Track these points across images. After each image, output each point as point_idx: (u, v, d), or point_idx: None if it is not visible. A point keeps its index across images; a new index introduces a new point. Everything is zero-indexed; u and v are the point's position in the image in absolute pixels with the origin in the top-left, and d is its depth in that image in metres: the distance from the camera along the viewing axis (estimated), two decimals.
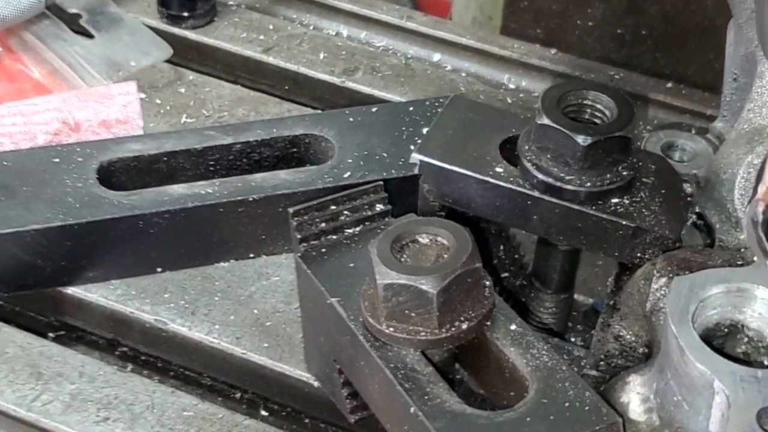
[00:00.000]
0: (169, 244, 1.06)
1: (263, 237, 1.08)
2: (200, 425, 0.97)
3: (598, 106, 0.98)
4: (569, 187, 0.96)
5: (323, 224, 0.97)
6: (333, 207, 0.99)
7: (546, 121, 0.95)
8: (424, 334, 0.85)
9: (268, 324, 1.05)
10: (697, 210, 1.00)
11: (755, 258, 0.84)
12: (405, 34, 1.39)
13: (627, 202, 0.97)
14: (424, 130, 1.07)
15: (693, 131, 1.11)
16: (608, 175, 0.96)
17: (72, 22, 1.34)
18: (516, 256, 1.13)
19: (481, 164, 1.00)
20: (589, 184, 0.96)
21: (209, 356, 1.05)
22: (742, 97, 1.03)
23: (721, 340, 0.81)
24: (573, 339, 1.10)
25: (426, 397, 0.82)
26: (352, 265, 0.93)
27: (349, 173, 1.06)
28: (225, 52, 1.34)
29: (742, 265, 0.86)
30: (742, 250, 0.90)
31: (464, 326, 0.85)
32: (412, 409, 0.81)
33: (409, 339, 0.85)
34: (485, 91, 1.33)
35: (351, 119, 1.13)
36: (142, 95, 1.25)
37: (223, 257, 1.10)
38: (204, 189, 1.06)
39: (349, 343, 0.90)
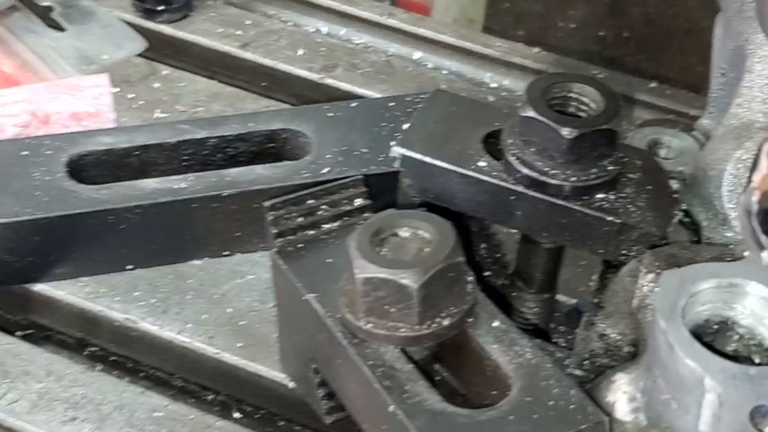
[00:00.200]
0: (140, 240, 1.03)
1: (238, 234, 1.05)
2: (171, 426, 0.93)
3: (584, 98, 0.95)
4: (554, 181, 0.93)
5: (300, 219, 0.94)
6: (311, 201, 0.96)
7: (530, 113, 0.93)
8: (404, 330, 0.82)
9: (242, 323, 1.02)
10: (684, 207, 0.98)
11: (745, 254, 0.82)
12: (386, 31, 1.37)
13: (613, 197, 0.94)
14: (405, 126, 1.04)
15: (678, 128, 1.09)
16: (594, 170, 0.94)
17: (44, 15, 1.30)
18: (497, 254, 1.11)
19: (463, 158, 0.97)
20: (574, 178, 0.93)
21: (180, 356, 1.02)
22: (729, 93, 1.01)
23: (711, 337, 0.79)
24: (555, 340, 1.07)
25: (405, 396, 0.79)
26: (329, 260, 0.90)
27: (327, 169, 1.03)
28: (201, 47, 1.31)
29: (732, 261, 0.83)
30: (730, 246, 0.88)
31: (445, 322, 0.82)
32: (390, 408, 0.78)
33: (388, 335, 0.82)
34: (466, 89, 1.31)
35: (330, 114, 1.10)
36: (115, 89, 1.22)
37: (197, 254, 1.06)
38: (177, 184, 1.03)
39: (326, 341, 0.86)
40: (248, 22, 1.34)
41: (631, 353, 0.88)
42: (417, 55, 1.36)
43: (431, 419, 0.77)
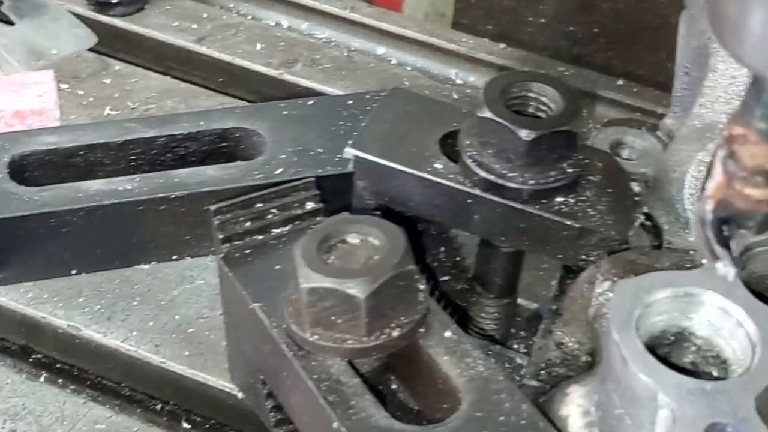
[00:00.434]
0: (84, 244, 0.99)
1: (187, 237, 1.01)
2: None
3: (543, 98, 0.92)
4: (512, 184, 0.90)
5: (248, 223, 0.90)
6: (259, 205, 0.92)
7: (487, 114, 0.89)
8: (351, 342, 0.78)
9: (190, 331, 0.99)
10: (646, 210, 0.95)
11: (704, 261, 0.79)
12: (349, 25, 1.33)
13: (572, 201, 0.91)
14: (364, 125, 1.01)
15: (644, 129, 1.06)
16: (553, 173, 0.90)
17: None
18: (457, 258, 1.07)
19: (419, 160, 0.94)
20: (532, 181, 0.90)
21: (126, 365, 0.98)
22: (693, 92, 0.98)
23: (668, 348, 0.76)
24: (516, 346, 1.04)
25: (350, 411, 0.75)
26: (278, 267, 0.87)
27: (281, 169, 0.99)
28: (155, 42, 1.27)
29: (691, 268, 0.80)
30: (691, 252, 0.85)
31: (395, 333, 0.79)
32: (335, 425, 0.75)
33: (335, 348, 0.78)
34: (431, 86, 1.28)
35: (285, 112, 1.06)
36: (65, 86, 1.18)
37: (144, 259, 1.02)
38: (122, 185, 0.98)
39: (271, 352, 0.83)
40: (205, 15, 1.30)
41: (589, 363, 0.85)
42: (381, 50, 1.33)
43: None
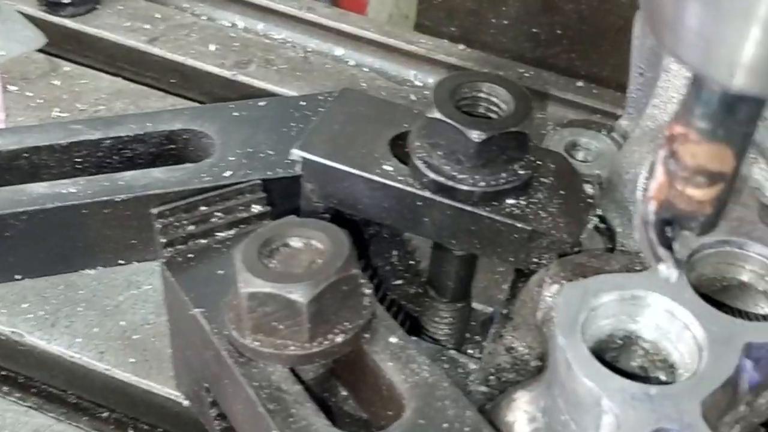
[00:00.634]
0: (28, 248, 0.96)
1: (133, 242, 0.98)
2: None
3: (494, 99, 0.91)
4: (462, 186, 0.88)
5: (191, 227, 0.88)
6: (203, 208, 0.90)
7: (437, 114, 0.88)
8: (293, 348, 0.76)
9: (135, 337, 0.96)
10: (599, 213, 0.93)
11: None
12: (306, 26, 1.31)
13: (523, 203, 0.90)
14: (311, 126, 0.99)
15: (599, 130, 1.04)
16: (504, 175, 0.89)
17: None
18: (411, 262, 1.05)
19: (368, 162, 0.92)
20: (483, 183, 0.88)
21: (70, 372, 0.96)
22: (647, 93, 0.97)
23: (615, 353, 0.74)
24: (471, 351, 1.02)
25: (290, 419, 0.73)
26: (221, 272, 0.85)
27: (230, 172, 0.97)
28: (106, 42, 1.25)
29: (641, 271, 0.79)
30: (642, 254, 0.83)
31: (339, 339, 0.77)
32: None
33: (276, 354, 0.76)
34: (388, 87, 1.26)
35: (235, 114, 1.04)
36: (13, 87, 1.15)
37: (89, 264, 1.00)
38: (66, 188, 0.96)
39: (213, 359, 0.81)
40: (158, 16, 1.28)
41: (539, 368, 0.83)
42: (339, 51, 1.31)
43: None
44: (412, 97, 1.26)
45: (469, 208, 0.89)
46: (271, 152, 0.99)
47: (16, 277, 0.98)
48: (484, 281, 1.06)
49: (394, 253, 1.03)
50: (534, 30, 1.59)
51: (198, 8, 1.32)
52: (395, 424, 0.73)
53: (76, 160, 1.01)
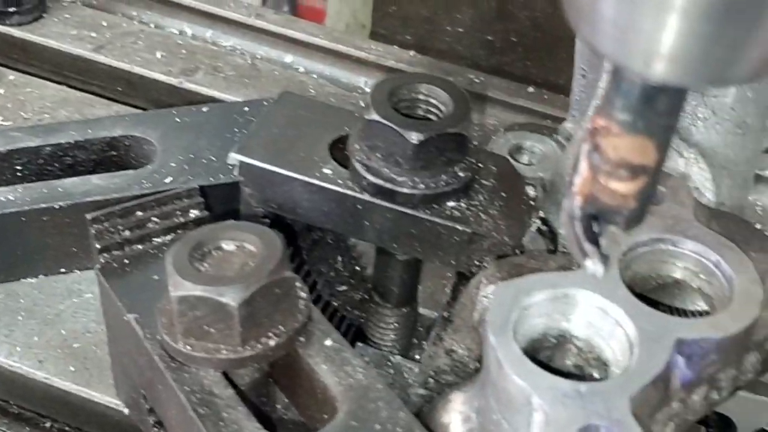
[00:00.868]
0: None
1: (74, 249, 0.97)
2: None
3: (433, 100, 0.90)
4: (401, 189, 0.88)
5: (127, 232, 0.87)
6: (140, 213, 0.89)
7: (375, 116, 0.87)
8: (225, 352, 0.75)
9: (76, 346, 0.95)
10: (542, 215, 0.93)
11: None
12: (254, 33, 1.30)
13: (464, 205, 0.89)
14: (250, 130, 0.98)
15: (544, 133, 1.04)
16: (444, 177, 0.88)
17: None
18: (357, 267, 1.05)
19: (307, 165, 0.91)
20: (422, 186, 0.88)
21: (10, 381, 0.94)
22: (590, 95, 0.97)
23: (550, 351, 0.74)
24: (418, 357, 1.02)
25: (222, 424, 0.72)
26: (156, 277, 0.84)
27: (170, 178, 0.97)
28: (52, 51, 1.23)
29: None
30: None
31: (272, 343, 0.76)
32: None
33: (208, 358, 0.75)
34: (337, 94, 1.25)
35: (178, 120, 1.03)
36: None
37: (30, 272, 0.98)
38: (5, 196, 0.95)
39: (146, 365, 0.80)
40: (104, 23, 1.27)
41: (477, 370, 0.82)
42: (288, 58, 1.30)
43: None
44: (362, 104, 1.25)
45: (409, 211, 0.88)
46: (213, 158, 0.99)
47: None
48: (432, 286, 1.05)
49: (339, 258, 1.03)
50: (488, 37, 1.59)
51: (146, 16, 1.31)
52: (327, 427, 0.72)
53: (17, 167, 1.00)
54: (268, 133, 0.94)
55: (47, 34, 1.24)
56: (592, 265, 0.65)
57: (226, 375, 0.76)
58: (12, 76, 1.19)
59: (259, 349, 0.76)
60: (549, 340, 0.73)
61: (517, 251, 0.88)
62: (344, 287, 1.02)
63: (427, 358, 0.85)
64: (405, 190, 0.88)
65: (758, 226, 1.22)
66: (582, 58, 0.99)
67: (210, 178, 0.97)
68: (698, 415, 0.76)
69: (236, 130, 1.02)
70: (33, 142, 1.00)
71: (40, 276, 0.99)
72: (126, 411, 0.91)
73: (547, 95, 1.29)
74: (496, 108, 1.28)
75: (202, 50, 1.26)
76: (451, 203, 0.89)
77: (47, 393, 0.93)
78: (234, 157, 0.92)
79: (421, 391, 0.82)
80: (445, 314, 0.88)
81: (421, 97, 0.90)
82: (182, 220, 0.89)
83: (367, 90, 1.30)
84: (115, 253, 0.86)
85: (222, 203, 0.95)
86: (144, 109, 1.20)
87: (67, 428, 0.96)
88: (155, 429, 0.85)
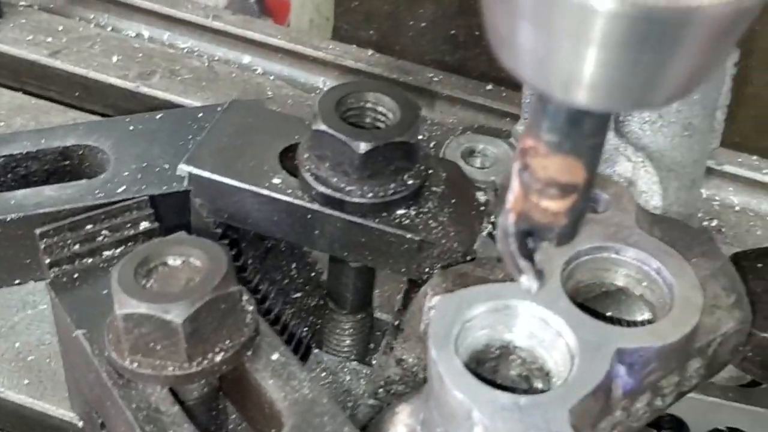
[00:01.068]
0: None
1: (28, 261, 0.97)
2: None
3: (380, 108, 0.90)
4: (350, 198, 0.88)
5: (77, 246, 0.87)
6: (89, 226, 0.89)
7: (322, 126, 0.87)
8: (172, 368, 0.76)
9: (30, 358, 0.95)
10: (494, 220, 0.93)
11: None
12: (211, 34, 1.30)
13: (413, 213, 0.89)
14: (199, 140, 0.98)
15: (496, 136, 1.05)
16: (392, 185, 0.89)
17: None
18: (312, 274, 1.05)
19: (257, 175, 0.91)
20: (371, 194, 0.88)
21: None
22: None
23: (494, 362, 0.75)
24: (375, 361, 1.02)
25: None
26: (106, 292, 0.83)
27: (123, 187, 0.96)
28: (8, 57, 1.23)
29: None
30: None
31: (218, 358, 0.76)
32: None
33: (154, 375, 0.76)
34: (295, 95, 1.25)
35: (131, 127, 1.03)
36: None
37: None
38: None
39: (95, 381, 0.80)
40: (60, 28, 1.26)
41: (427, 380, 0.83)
42: (246, 59, 1.30)
43: None
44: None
45: (358, 220, 0.89)
46: (166, 166, 0.99)
47: None
48: (388, 290, 1.06)
49: (293, 265, 1.03)
50: (452, 32, 1.59)
51: (102, 19, 1.31)
52: None
53: None
54: (217, 143, 0.94)
55: (2, 40, 1.24)
56: (527, 281, 0.66)
57: (173, 391, 0.77)
58: None
59: (206, 365, 0.76)
60: (492, 351, 0.74)
61: (468, 257, 0.89)
62: (299, 294, 1.02)
63: (377, 368, 0.85)
64: (354, 199, 0.88)
65: (715, 222, 1.24)
66: None
67: (164, 187, 0.97)
68: (643, 423, 0.77)
69: (190, 137, 1.01)
70: None
71: None
72: (80, 424, 0.91)
73: (505, 92, 1.30)
74: (455, 106, 1.28)
75: (158, 53, 1.26)
76: (400, 211, 0.89)
77: (2, 406, 0.94)
78: (183, 168, 0.92)
79: (371, 402, 0.82)
80: (396, 323, 0.88)
81: (368, 105, 0.91)
82: (132, 232, 0.89)
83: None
84: (65, 267, 0.86)
85: (177, 212, 0.95)
86: (101, 115, 1.20)
87: None
88: None
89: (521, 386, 0.76)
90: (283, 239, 0.97)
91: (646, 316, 0.80)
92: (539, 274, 0.66)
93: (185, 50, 1.29)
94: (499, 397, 0.68)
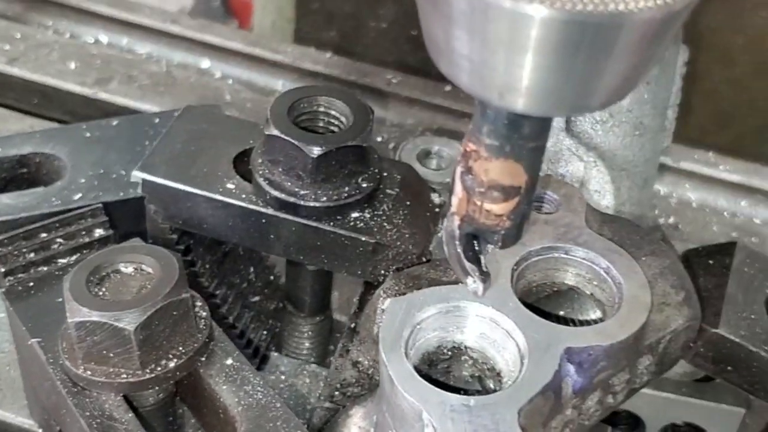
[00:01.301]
0: None
1: None
2: None
3: (333, 112, 0.91)
4: (304, 202, 0.88)
5: (31, 254, 0.87)
6: (44, 235, 0.89)
7: (274, 131, 0.88)
8: (125, 375, 0.76)
9: None
10: None
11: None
12: (170, 39, 1.30)
13: (368, 216, 0.90)
14: (153, 146, 0.98)
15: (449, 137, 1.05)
16: (346, 188, 0.89)
17: None
18: (271, 277, 1.05)
19: (210, 180, 0.91)
20: (325, 198, 0.88)
21: None
22: None
23: (447, 364, 0.75)
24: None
25: None
26: (60, 300, 0.83)
27: (80, 195, 0.97)
28: None
29: None
30: None
31: (172, 364, 0.77)
32: None
33: (108, 383, 0.76)
34: (253, 99, 1.25)
35: (88, 134, 1.03)
36: None
37: None
38: None
39: (51, 389, 0.80)
40: (18, 35, 1.25)
41: None
42: (205, 63, 1.30)
43: None
44: None
45: (313, 224, 0.89)
46: (123, 173, 0.99)
47: None
48: (348, 292, 1.06)
49: (251, 269, 1.03)
50: (413, 33, 1.60)
51: (61, 25, 1.30)
52: None
53: None
54: (171, 149, 0.94)
55: None
56: (473, 283, 0.67)
57: (127, 398, 0.77)
58: None
59: (159, 372, 0.76)
60: (445, 353, 0.75)
61: (423, 259, 0.90)
62: (258, 298, 1.02)
63: (333, 371, 0.86)
64: (308, 203, 0.88)
65: (672, 219, 1.26)
66: None
67: (120, 194, 0.97)
68: (594, 421, 0.78)
69: (147, 142, 1.02)
70: None
71: None
72: (40, 431, 0.91)
73: (464, 94, 1.30)
74: (414, 108, 1.29)
75: (117, 59, 1.26)
76: (355, 214, 0.90)
77: None
78: (137, 175, 0.92)
79: (327, 405, 0.83)
80: (352, 325, 0.89)
81: (321, 109, 0.91)
82: (87, 239, 0.89)
83: None
84: (20, 276, 0.86)
85: (133, 218, 0.95)
86: (60, 122, 1.20)
87: None
88: None
89: (474, 387, 0.77)
90: (239, 244, 0.97)
91: (598, 314, 0.82)
92: (485, 276, 0.67)
93: (144, 56, 1.28)
94: (449, 399, 0.68)
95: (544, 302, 0.81)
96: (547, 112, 0.56)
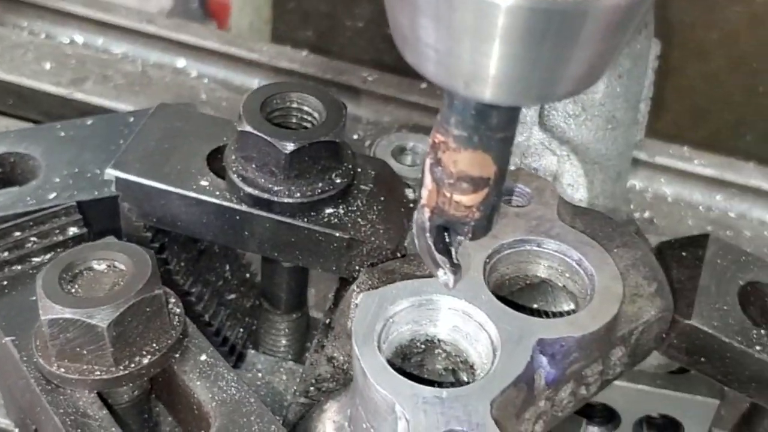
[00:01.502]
0: None
1: None
2: None
3: (306, 108, 0.91)
4: (278, 198, 0.88)
5: (5, 253, 0.87)
6: (17, 233, 0.88)
7: (247, 128, 0.88)
8: (98, 373, 0.76)
9: None
10: None
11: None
12: (146, 39, 1.30)
13: (342, 212, 0.90)
14: (126, 144, 0.97)
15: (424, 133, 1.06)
16: (320, 184, 0.89)
17: None
18: (247, 275, 1.05)
19: (184, 178, 0.91)
20: (298, 194, 0.88)
21: None
22: None
23: (420, 356, 0.75)
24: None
25: None
26: (34, 298, 0.83)
27: (54, 194, 0.96)
28: None
29: None
30: None
31: (146, 361, 0.76)
32: None
33: (82, 380, 0.76)
34: (229, 98, 1.25)
35: (62, 134, 1.03)
36: None
37: None
38: None
39: (25, 387, 0.80)
40: None
41: None
42: (181, 63, 1.30)
43: None
44: None
45: (287, 220, 0.89)
46: (97, 171, 0.99)
47: None
48: (324, 289, 1.06)
49: (227, 266, 1.03)
50: (389, 31, 1.60)
51: (36, 26, 1.30)
52: None
53: None
54: (144, 147, 0.94)
55: None
56: (444, 275, 0.67)
57: (101, 396, 0.77)
58: None
59: (133, 368, 0.76)
60: (418, 346, 0.75)
61: (398, 254, 0.90)
62: (234, 295, 1.02)
63: (308, 366, 0.86)
64: (282, 200, 0.88)
65: (647, 213, 1.27)
66: None
67: (94, 192, 0.97)
68: (568, 412, 0.79)
69: (121, 141, 1.01)
70: None
71: None
72: (16, 431, 0.91)
73: (439, 91, 1.31)
74: (390, 105, 1.29)
75: (92, 59, 1.25)
76: (329, 210, 0.90)
77: None
78: (110, 173, 0.91)
79: (303, 400, 0.83)
80: (327, 321, 0.89)
81: (293, 105, 0.91)
82: (61, 238, 0.89)
83: None
84: None
85: (107, 217, 0.95)
86: (36, 122, 1.19)
87: None
88: None
89: (448, 380, 0.77)
90: (213, 241, 0.97)
91: (571, 306, 0.82)
92: (456, 268, 0.67)
93: (119, 55, 1.28)
94: (421, 391, 0.68)
95: (518, 295, 0.81)
96: (514, 102, 0.57)
